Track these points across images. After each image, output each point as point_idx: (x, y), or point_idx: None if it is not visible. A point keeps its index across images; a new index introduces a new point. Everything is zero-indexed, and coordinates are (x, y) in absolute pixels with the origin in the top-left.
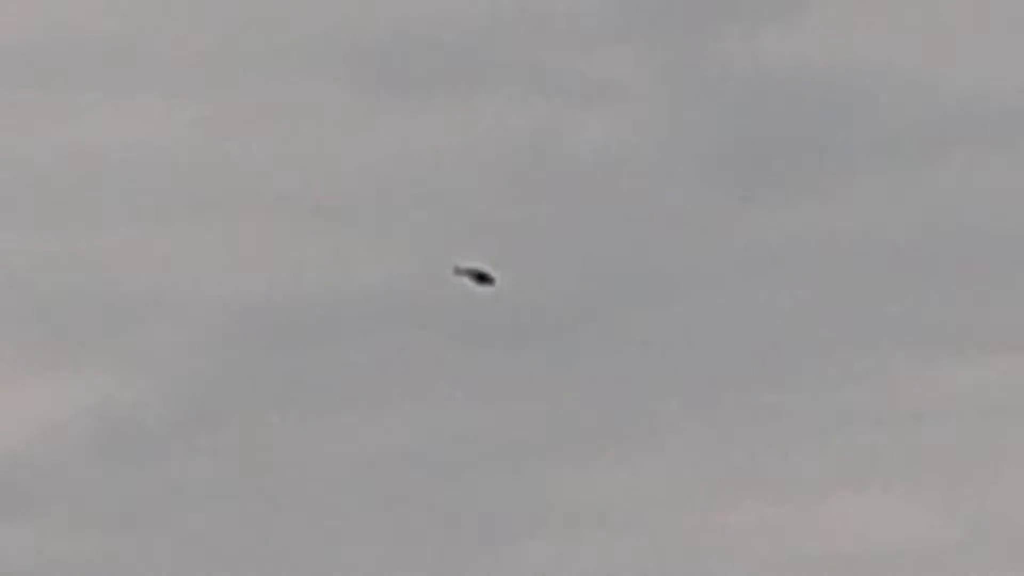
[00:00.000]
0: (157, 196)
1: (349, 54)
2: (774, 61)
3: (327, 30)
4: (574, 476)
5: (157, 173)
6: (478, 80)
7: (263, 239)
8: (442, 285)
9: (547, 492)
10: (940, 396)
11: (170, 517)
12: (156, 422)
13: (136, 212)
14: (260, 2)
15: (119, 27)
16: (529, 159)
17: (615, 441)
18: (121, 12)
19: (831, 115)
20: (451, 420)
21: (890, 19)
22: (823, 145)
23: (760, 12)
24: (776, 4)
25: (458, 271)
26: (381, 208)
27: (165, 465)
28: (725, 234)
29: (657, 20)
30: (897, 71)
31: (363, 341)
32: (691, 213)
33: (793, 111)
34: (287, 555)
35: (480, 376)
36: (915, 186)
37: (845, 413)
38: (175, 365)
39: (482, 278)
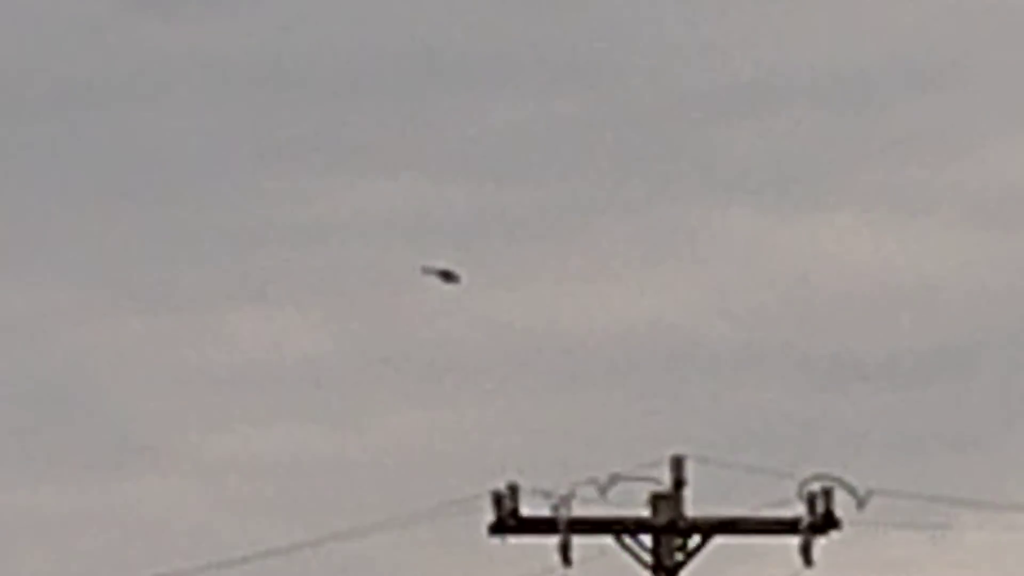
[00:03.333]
0: None
1: None
2: None
3: None
4: None
5: None
6: None
7: None
8: None
9: None
10: (345, 212)
11: None
12: None
13: None
14: None
15: None
16: None
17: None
18: None
19: None
20: None
21: None
22: None
23: None
24: None
25: (426, 270)
26: None
27: None
28: (144, 48)
29: None
30: None
31: None
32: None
33: None
34: None
35: None
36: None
37: (255, 229)
38: None
39: (447, 276)
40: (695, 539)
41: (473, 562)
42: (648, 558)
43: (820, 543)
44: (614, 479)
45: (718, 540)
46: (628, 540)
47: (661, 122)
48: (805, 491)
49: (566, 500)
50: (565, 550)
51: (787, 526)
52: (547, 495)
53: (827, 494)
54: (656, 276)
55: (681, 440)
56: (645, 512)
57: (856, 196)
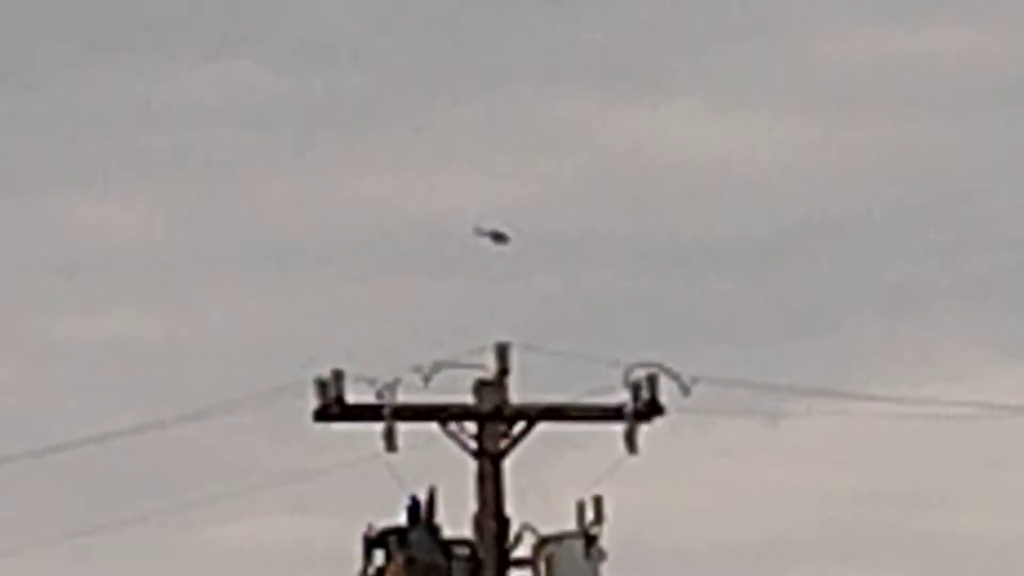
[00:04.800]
0: None
1: None
2: None
3: None
4: None
5: None
6: None
7: None
8: None
9: None
10: (180, 97)
11: None
12: None
13: None
14: None
15: None
16: None
17: None
18: None
19: None
20: None
21: None
22: None
23: None
24: None
25: (478, 231)
26: None
27: None
28: None
29: None
30: None
31: None
32: None
33: None
34: None
35: None
36: None
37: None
38: None
39: (498, 237)
40: (520, 426)
41: (297, 448)
42: (473, 445)
43: (644, 430)
44: (439, 366)
45: (542, 427)
46: (453, 427)
47: (498, 6)
48: (630, 378)
49: (391, 387)
50: (390, 437)
51: (611, 413)
52: (372, 382)
53: (652, 381)
54: (489, 163)
55: (506, 327)
56: (470, 399)
57: (695, 82)
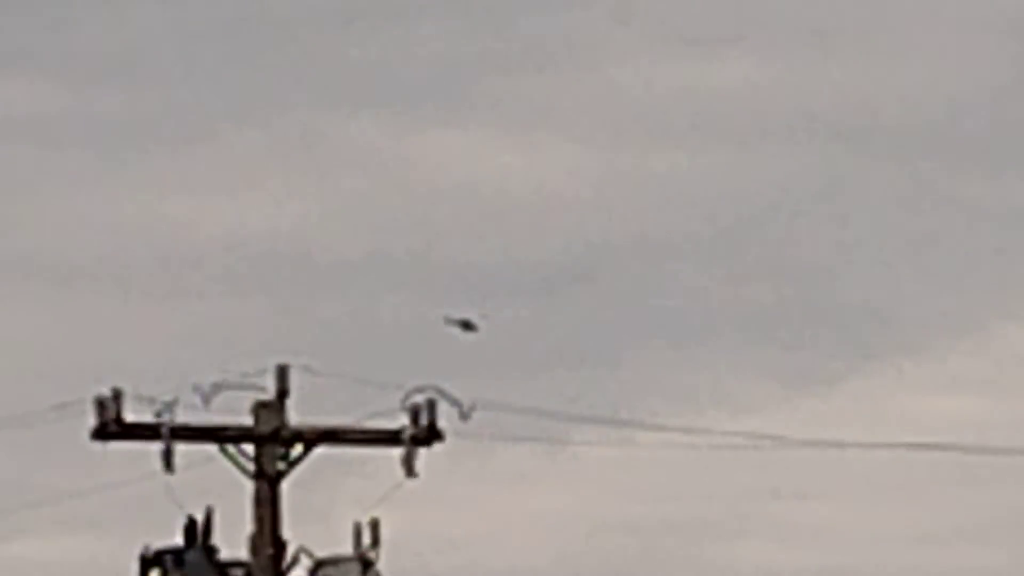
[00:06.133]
0: None
1: None
2: None
3: None
4: None
5: None
6: None
7: None
8: None
9: None
10: None
11: None
12: None
13: None
14: None
15: None
16: None
17: None
18: None
19: None
20: None
21: None
22: None
23: None
24: None
25: (448, 321)
26: None
27: None
28: None
29: None
30: None
31: None
32: None
33: None
34: None
35: None
36: None
37: None
38: None
39: (467, 326)
40: (298, 448)
41: (75, 467)
42: (251, 466)
43: (423, 455)
44: (218, 387)
45: (321, 450)
46: (231, 448)
47: (291, 30)
48: (409, 402)
49: (170, 407)
50: (167, 457)
51: (390, 437)
52: (151, 401)
53: (431, 406)
54: (276, 184)
55: (287, 349)
56: (249, 420)
57: (488, 109)
